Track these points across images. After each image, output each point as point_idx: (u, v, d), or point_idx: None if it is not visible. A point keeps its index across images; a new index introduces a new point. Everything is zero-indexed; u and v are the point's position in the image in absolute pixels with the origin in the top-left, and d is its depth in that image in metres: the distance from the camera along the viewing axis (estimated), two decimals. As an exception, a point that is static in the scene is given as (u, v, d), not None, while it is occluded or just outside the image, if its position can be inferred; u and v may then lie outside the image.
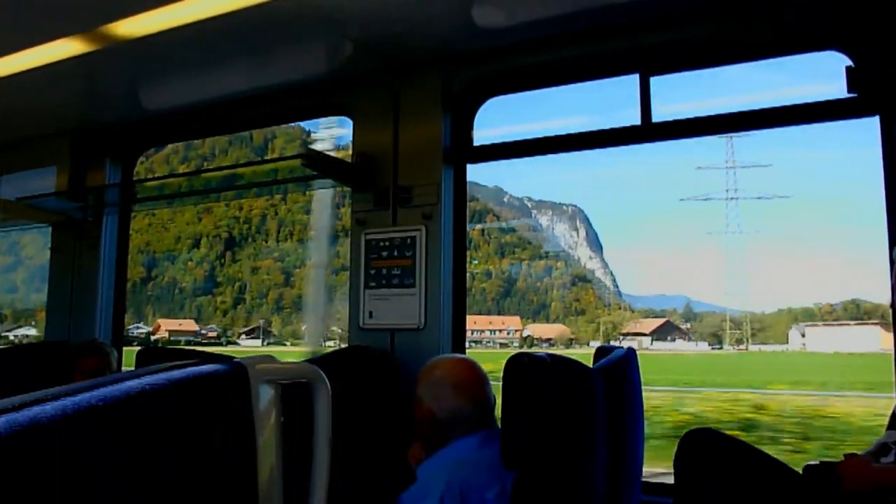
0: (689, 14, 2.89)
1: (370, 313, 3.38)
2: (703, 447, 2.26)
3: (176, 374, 0.87)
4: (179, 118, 4.11)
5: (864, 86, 2.68)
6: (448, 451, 2.11)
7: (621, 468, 2.29)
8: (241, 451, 1.04)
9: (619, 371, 2.39)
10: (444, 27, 3.06)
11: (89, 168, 4.32)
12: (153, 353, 3.24)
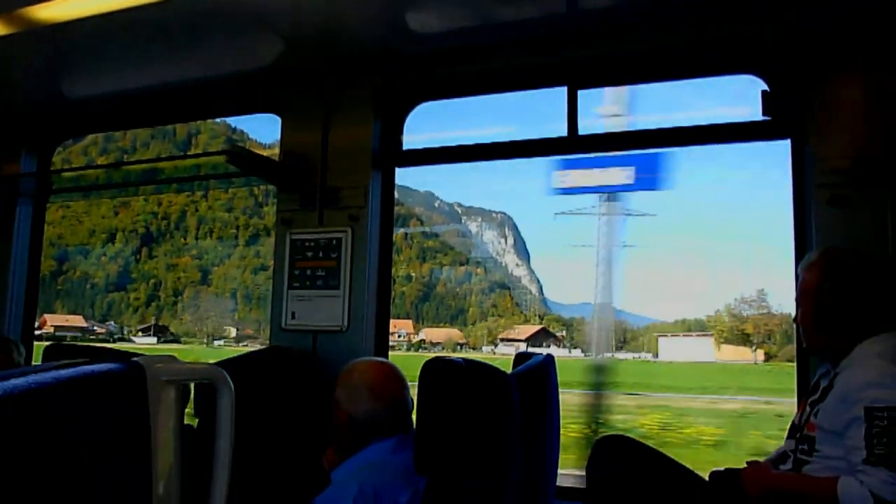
0: (616, 31, 2.99)
1: (293, 314, 3.35)
2: (614, 453, 2.34)
3: (65, 372, 0.86)
4: (101, 108, 3.98)
5: (778, 110, 2.83)
6: (363, 455, 2.11)
7: (536, 473, 2.33)
8: (136, 451, 1.02)
9: (537, 377, 2.43)
10: (378, 30, 3.07)
11: (3, 156, 4.14)
12: (61, 350, 3.12)
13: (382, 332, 3.39)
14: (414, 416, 2.16)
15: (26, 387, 0.77)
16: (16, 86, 3.74)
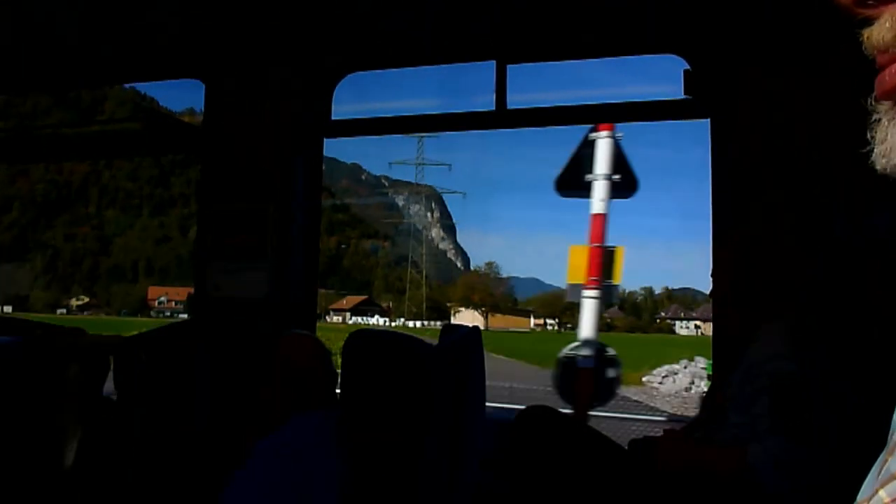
0: (545, 6, 3.04)
1: (216, 286, 3.31)
2: (537, 423, 2.39)
3: None
4: (11, 67, 3.78)
5: (699, 90, 2.91)
6: (286, 429, 2.11)
7: (462, 444, 2.36)
8: (35, 417, 1.01)
9: (462, 349, 2.47)
10: None
11: None
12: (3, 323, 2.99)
13: (309, 306, 3.40)
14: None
15: None
16: None
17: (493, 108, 3.13)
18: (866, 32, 0.49)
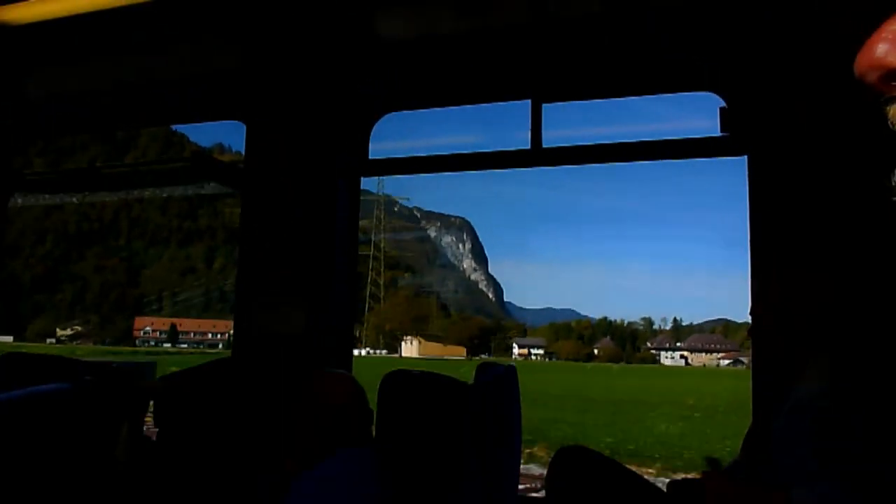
0: (580, 46, 3.15)
1: (256, 322, 3.34)
2: (574, 465, 2.37)
3: (12, 394, 0.88)
4: (62, 110, 4.00)
5: (736, 127, 2.98)
6: (322, 467, 2.15)
7: (497, 482, 2.40)
8: (82, 459, 1.03)
9: (498, 387, 2.52)
10: (345, 38, 3.17)
11: None
12: (18, 360, 3.07)
13: (345, 342, 3.48)
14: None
15: None
16: None
17: (529, 147, 3.22)
18: (892, 109, 0.55)
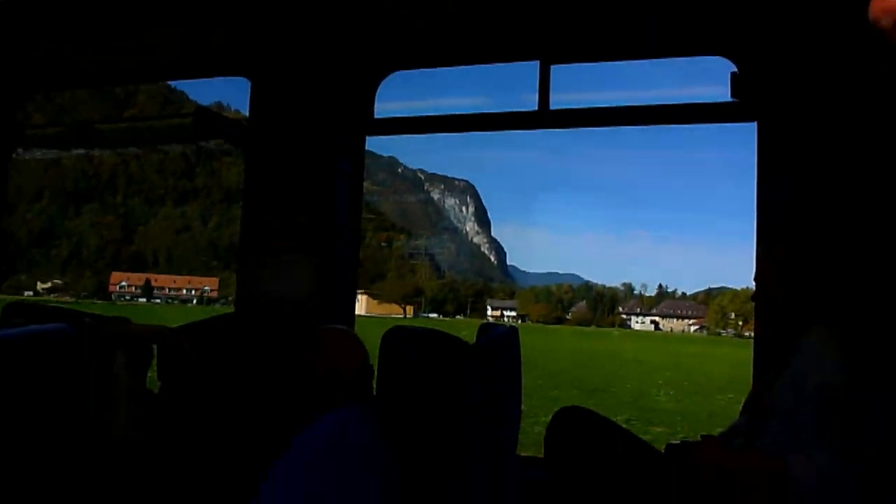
0: (590, 8, 3.13)
1: (258, 281, 3.46)
2: (573, 426, 2.44)
3: (11, 332, 0.90)
4: (65, 64, 3.99)
5: (746, 92, 2.98)
6: (323, 423, 2.15)
7: (497, 441, 2.46)
8: (82, 409, 1.04)
9: (499, 347, 2.58)
10: None
11: None
12: (19, 309, 3.12)
13: (349, 300, 3.54)
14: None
15: None
16: None
17: (536, 109, 3.23)
18: None
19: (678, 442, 2.45)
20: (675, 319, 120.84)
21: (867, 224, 2.67)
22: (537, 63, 3.26)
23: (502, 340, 2.64)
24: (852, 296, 2.38)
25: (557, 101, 3.23)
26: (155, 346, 2.30)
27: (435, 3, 3.15)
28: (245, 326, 3.24)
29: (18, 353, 0.92)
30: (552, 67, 3.23)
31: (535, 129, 3.32)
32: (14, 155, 4.19)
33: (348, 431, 2.10)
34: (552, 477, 2.48)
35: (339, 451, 2.01)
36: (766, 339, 2.81)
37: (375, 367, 2.20)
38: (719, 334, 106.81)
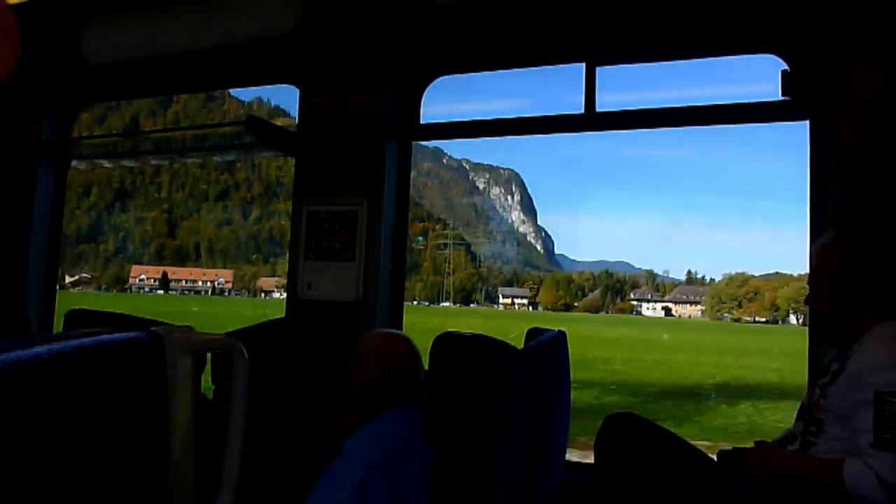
0: (635, 8, 3.14)
1: (309, 284, 3.58)
2: (623, 430, 2.47)
3: (87, 341, 0.93)
4: (121, 74, 4.15)
5: (798, 91, 2.97)
6: (373, 425, 2.21)
7: (545, 447, 2.51)
8: (153, 416, 1.08)
9: (548, 352, 2.61)
10: (397, 1, 3.20)
11: (25, 120, 4.34)
12: (81, 316, 3.25)
13: (396, 304, 3.61)
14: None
15: (48, 354, 0.84)
16: (39, 49, 3.88)
17: (582, 111, 3.27)
18: None
19: (730, 448, 2.50)
20: (687, 305, 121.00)
21: None
22: (583, 65, 3.30)
23: (551, 344, 2.68)
24: None
25: (603, 102, 3.28)
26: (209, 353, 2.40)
27: (480, 7, 3.20)
28: (297, 330, 3.35)
29: (106, 360, 0.97)
30: (597, 69, 3.27)
31: (581, 131, 3.36)
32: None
33: (398, 434, 2.15)
34: (601, 482, 2.50)
35: (389, 453, 2.05)
36: (822, 342, 2.81)
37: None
38: (721, 318, 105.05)
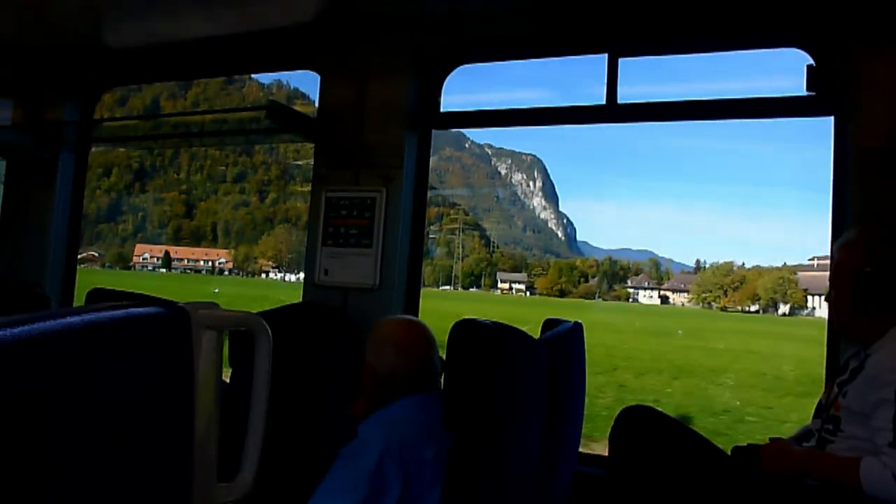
0: (660, 0, 3.14)
1: (325, 270, 3.63)
2: (638, 423, 2.48)
3: (117, 313, 0.95)
4: (142, 58, 4.21)
5: (823, 86, 2.97)
6: (389, 410, 2.26)
7: (559, 437, 2.54)
8: (179, 393, 1.09)
9: (564, 343, 2.64)
10: None
11: (47, 104, 4.40)
12: (103, 295, 3.28)
13: (413, 291, 3.65)
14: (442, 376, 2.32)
15: (79, 324, 0.85)
16: (60, 33, 3.95)
17: (604, 102, 3.29)
18: None
19: (744, 444, 2.52)
20: (683, 294, 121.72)
21: None
22: (605, 56, 3.31)
23: (567, 335, 2.71)
24: None
25: (625, 94, 3.29)
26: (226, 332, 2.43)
27: None
28: (312, 315, 3.40)
29: (135, 331, 0.98)
30: (620, 61, 3.28)
31: (603, 122, 3.37)
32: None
33: (413, 419, 2.20)
34: (615, 474, 2.53)
35: (404, 438, 2.11)
36: (841, 339, 2.82)
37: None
38: (710, 306, 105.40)
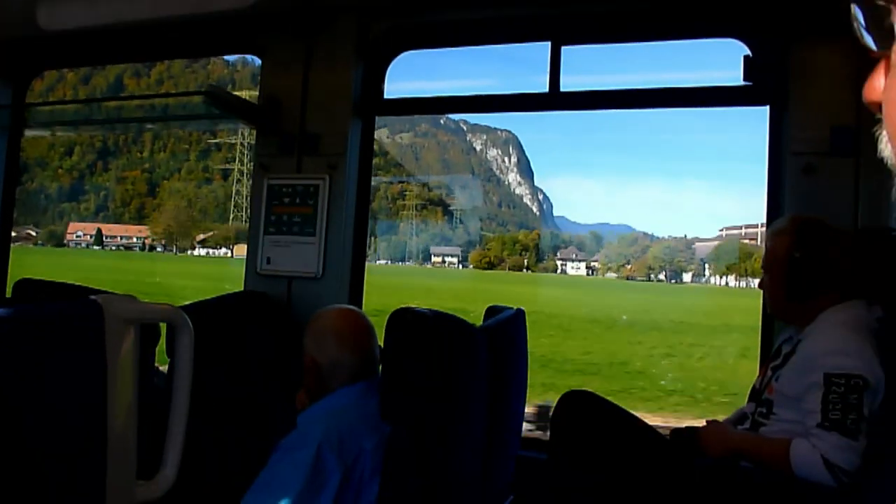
0: None
1: (268, 259, 3.65)
2: (578, 408, 2.54)
3: (24, 309, 1.01)
4: (77, 41, 4.17)
5: (759, 76, 3.07)
6: (328, 400, 2.30)
7: (502, 423, 2.62)
8: (89, 388, 1.10)
9: (505, 330, 2.72)
10: None
11: None
12: (30, 286, 3.28)
13: (357, 280, 3.68)
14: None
15: None
16: None
17: (547, 90, 3.34)
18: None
19: (684, 427, 2.62)
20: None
21: (882, 206, 2.78)
22: (548, 44, 3.36)
23: (509, 322, 2.78)
24: (863, 280, 2.45)
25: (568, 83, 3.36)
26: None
27: None
28: (253, 305, 3.45)
29: (44, 329, 0.99)
30: (563, 49, 3.34)
31: (546, 110, 3.43)
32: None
33: (352, 410, 2.23)
34: (556, 458, 2.58)
35: (343, 429, 2.14)
36: (774, 324, 2.92)
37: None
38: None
